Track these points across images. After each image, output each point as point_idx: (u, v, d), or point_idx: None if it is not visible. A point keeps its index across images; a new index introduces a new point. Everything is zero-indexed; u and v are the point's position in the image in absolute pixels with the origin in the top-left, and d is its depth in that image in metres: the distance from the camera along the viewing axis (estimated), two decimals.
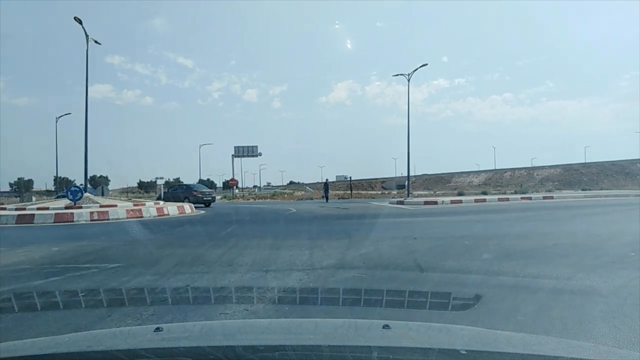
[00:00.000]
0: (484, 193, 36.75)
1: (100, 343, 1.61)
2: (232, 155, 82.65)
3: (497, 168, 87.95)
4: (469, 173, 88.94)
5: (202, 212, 21.79)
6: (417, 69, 27.84)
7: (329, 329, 1.80)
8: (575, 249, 7.66)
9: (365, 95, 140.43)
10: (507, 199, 26.79)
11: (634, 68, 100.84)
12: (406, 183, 34.85)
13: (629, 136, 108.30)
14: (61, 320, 3.83)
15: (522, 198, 27.17)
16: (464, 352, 1.31)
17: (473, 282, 5.16)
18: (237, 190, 74.61)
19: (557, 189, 50.75)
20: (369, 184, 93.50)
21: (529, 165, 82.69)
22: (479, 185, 75.28)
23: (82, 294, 4.63)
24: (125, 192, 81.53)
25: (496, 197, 28.52)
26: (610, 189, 48.18)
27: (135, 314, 3.99)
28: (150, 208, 18.69)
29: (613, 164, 70.47)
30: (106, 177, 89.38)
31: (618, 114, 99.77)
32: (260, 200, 37.00)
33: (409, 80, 28.27)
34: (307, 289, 4.89)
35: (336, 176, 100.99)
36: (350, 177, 40.16)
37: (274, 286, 4.97)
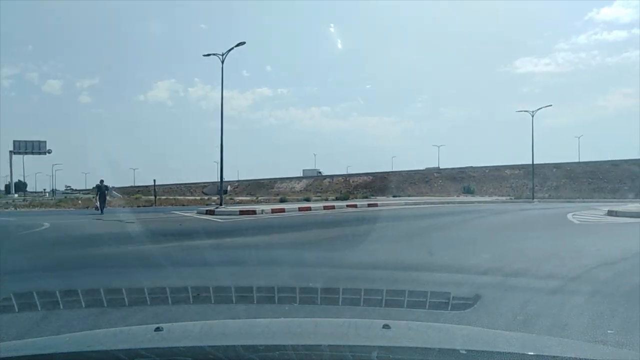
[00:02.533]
0: (307, 199, 34.29)
1: (100, 343, 1.60)
2: (10, 151, 66.54)
3: (317, 175, 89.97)
4: (291, 179, 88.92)
5: None
6: (232, 49, 23.37)
7: (329, 329, 1.81)
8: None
9: (188, 96, 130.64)
10: (333, 207, 24.13)
11: (426, 93, 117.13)
12: (224, 189, 30.08)
13: (426, 149, 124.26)
14: None
15: (347, 206, 24.89)
16: (464, 352, 1.31)
17: None
18: (16, 195, 60.19)
19: (371, 195, 52.35)
20: (189, 188, 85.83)
21: (345, 173, 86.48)
22: (300, 191, 75.59)
23: None
24: None
25: (321, 204, 25.74)
26: (415, 196, 51.70)
27: None
28: None
29: (416, 172, 77.83)
30: None
31: (413, 131, 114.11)
32: (25, 210, 27.53)
33: (222, 62, 23.55)
34: (307, 288, 4.51)
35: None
36: (155, 180, 33.33)
37: None
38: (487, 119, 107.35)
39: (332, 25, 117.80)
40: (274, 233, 12.35)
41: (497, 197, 43.78)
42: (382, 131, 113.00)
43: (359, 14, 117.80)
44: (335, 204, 26.53)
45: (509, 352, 1.30)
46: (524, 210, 22.52)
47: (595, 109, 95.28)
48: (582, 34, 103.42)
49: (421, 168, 79.45)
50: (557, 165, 62.83)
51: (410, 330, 1.76)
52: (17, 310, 3.72)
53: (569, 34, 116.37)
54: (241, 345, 1.44)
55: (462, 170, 73.61)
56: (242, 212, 19.70)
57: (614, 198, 40.47)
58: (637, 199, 34.94)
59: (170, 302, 4.02)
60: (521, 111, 42.39)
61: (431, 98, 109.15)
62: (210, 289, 4.24)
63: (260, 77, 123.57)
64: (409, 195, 53.42)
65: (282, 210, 21.22)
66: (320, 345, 1.44)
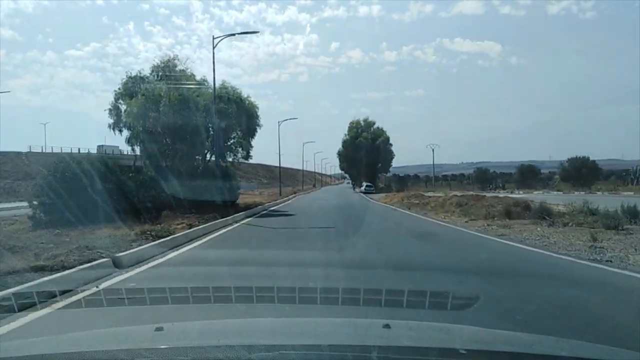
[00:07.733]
0: None
1: (101, 342, 1.53)
2: None
3: None
4: None
5: None
6: None
7: (329, 329, 1.80)
8: None
9: None
10: None
11: None
12: None
13: None
14: None
15: None
16: (464, 352, 1.30)
17: None
18: None
19: None
20: None
21: None
22: None
23: None
24: None
25: None
26: None
27: None
28: None
29: None
30: None
31: None
32: None
33: None
34: (307, 288, 4.50)
35: None
36: None
37: None
38: None
39: None
40: None
41: None
42: None
43: None
44: None
45: (509, 352, 1.32)
46: None
47: None
48: None
49: None
50: None
51: (411, 329, 1.74)
52: None
53: None
54: (241, 345, 1.40)
55: None
56: None
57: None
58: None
59: None
60: None
61: None
62: None
63: None
64: None
65: None
66: (320, 345, 1.41)
